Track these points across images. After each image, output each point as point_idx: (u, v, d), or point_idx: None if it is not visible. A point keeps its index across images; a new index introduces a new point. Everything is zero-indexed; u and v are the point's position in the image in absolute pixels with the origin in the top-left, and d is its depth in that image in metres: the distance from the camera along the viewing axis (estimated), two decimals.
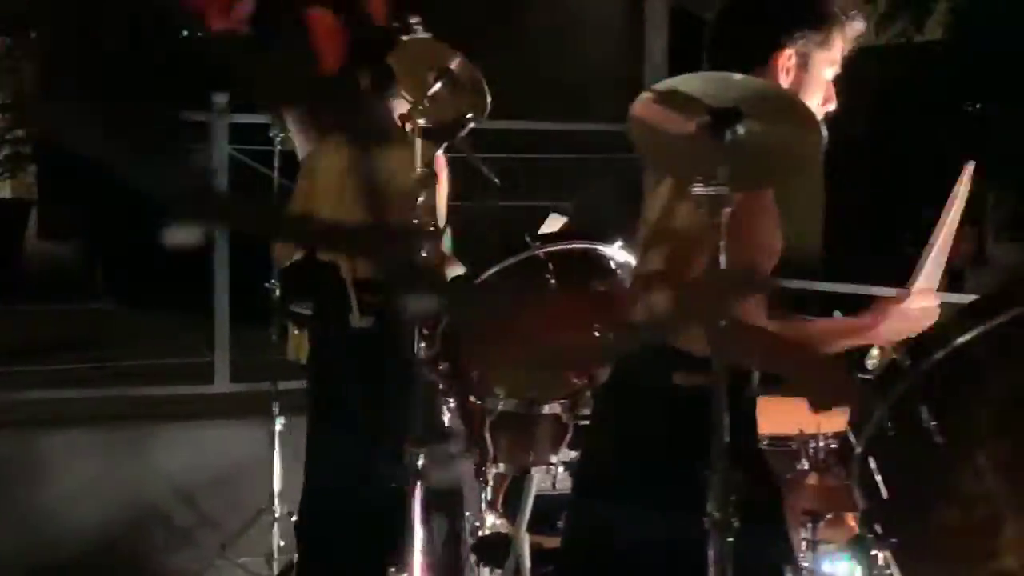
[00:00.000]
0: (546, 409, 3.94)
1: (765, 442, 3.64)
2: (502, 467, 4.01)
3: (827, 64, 3.19)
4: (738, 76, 2.72)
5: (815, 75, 3.19)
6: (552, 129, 7.24)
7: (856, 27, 3.21)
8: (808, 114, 2.75)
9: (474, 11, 8.32)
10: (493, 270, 4.32)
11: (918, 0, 14.77)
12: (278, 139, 5.74)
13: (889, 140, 13.84)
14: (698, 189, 2.70)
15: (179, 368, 6.86)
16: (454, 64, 4.31)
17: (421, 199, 3.71)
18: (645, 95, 2.73)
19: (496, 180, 4.35)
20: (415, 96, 4.19)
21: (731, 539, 2.65)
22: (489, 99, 4.36)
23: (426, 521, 3.97)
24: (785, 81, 3.15)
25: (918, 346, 2.66)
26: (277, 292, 5.69)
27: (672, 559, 2.91)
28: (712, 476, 2.68)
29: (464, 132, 3.90)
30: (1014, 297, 2.58)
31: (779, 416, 3.66)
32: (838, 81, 3.26)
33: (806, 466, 3.83)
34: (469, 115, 3.89)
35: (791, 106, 2.76)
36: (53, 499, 5.87)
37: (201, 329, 6.91)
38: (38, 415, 6.24)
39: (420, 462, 3.74)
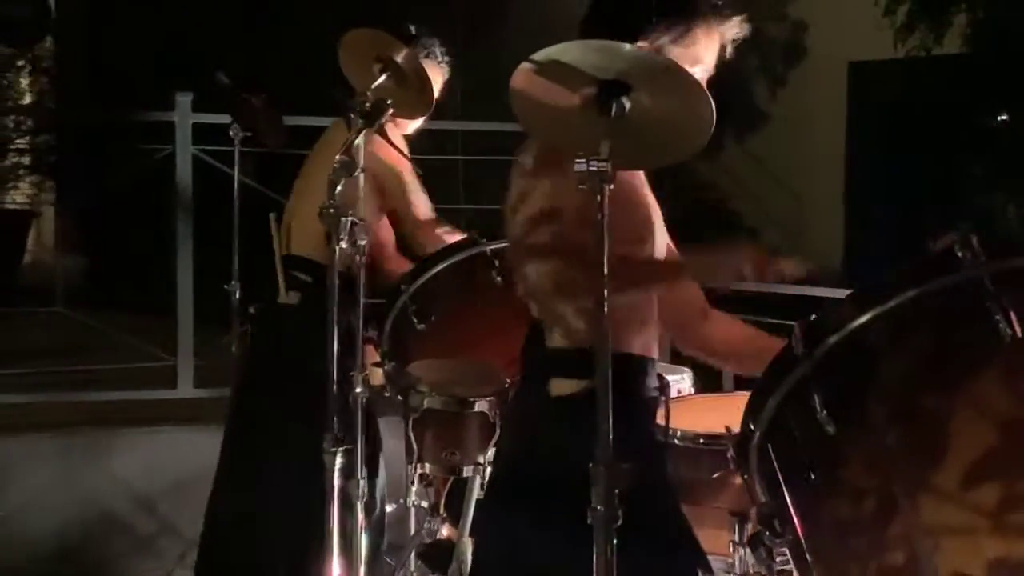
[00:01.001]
0: (474, 407, 3.79)
1: (700, 441, 3.49)
2: (428, 467, 3.87)
3: (690, 63, 2.94)
4: (625, 46, 2.58)
5: (691, 54, 3.02)
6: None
7: (731, 26, 3.06)
8: (699, 88, 2.61)
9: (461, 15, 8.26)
10: (440, 267, 4.24)
11: (937, 12, 14.66)
12: (238, 138, 5.66)
13: (908, 152, 13.72)
14: (580, 165, 2.55)
15: (142, 373, 6.73)
16: (400, 57, 4.24)
17: (339, 188, 3.57)
18: (524, 66, 2.59)
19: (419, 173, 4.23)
20: (360, 86, 4.12)
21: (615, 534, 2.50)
22: (435, 94, 4.30)
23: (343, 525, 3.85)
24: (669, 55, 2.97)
25: (812, 331, 2.50)
26: (237, 294, 5.59)
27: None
28: (595, 470, 2.54)
29: (383, 119, 3.75)
30: (908, 280, 2.43)
31: (711, 414, 3.52)
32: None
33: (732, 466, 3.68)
34: (388, 101, 3.75)
35: (681, 79, 2.61)
36: (8, 505, 5.75)
37: (165, 333, 6.79)
38: None
39: (337, 463, 3.59)
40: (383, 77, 4.21)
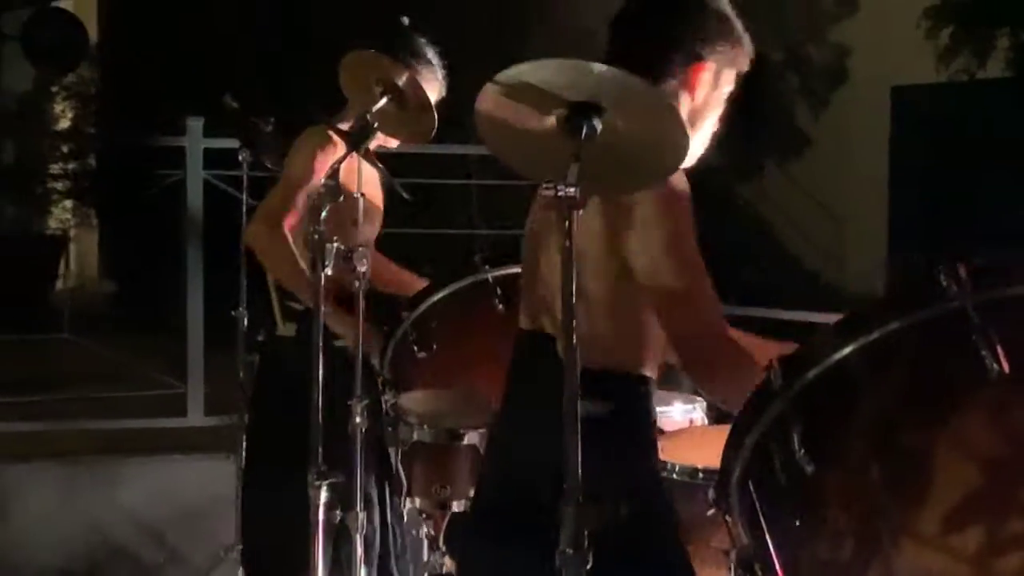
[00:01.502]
0: (464, 440, 3.67)
1: (699, 476, 3.37)
2: (418, 502, 3.75)
3: (730, 83, 3.03)
4: (595, 65, 2.46)
5: (720, 94, 3.04)
6: None
7: (750, 47, 3.05)
8: (673, 111, 2.49)
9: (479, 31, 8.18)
10: (440, 294, 4.14)
11: (980, 36, 14.53)
12: (247, 163, 5.59)
13: (950, 175, 13.61)
14: (547, 191, 2.43)
15: (151, 400, 6.66)
16: (401, 81, 4.17)
17: (324, 213, 3.48)
18: (490, 87, 2.48)
19: (408, 197, 4.12)
20: (361, 109, 4.05)
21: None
22: (436, 120, 4.21)
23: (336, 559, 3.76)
24: (699, 97, 2.98)
25: (791, 364, 2.37)
26: (244, 321, 5.51)
27: None
28: (565, 509, 2.42)
29: (367, 142, 3.66)
30: (891, 310, 2.30)
31: (711, 448, 3.40)
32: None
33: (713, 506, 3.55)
34: (375, 124, 3.66)
35: (655, 100, 2.50)
36: (14, 533, 5.69)
37: (176, 360, 6.71)
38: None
39: (323, 496, 3.49)
40: (384, 100, 4.15)
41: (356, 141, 3.60)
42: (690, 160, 3.03)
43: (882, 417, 2.32)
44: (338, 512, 3.95)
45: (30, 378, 7.88)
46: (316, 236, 3.47)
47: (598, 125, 2.48)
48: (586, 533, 2.42)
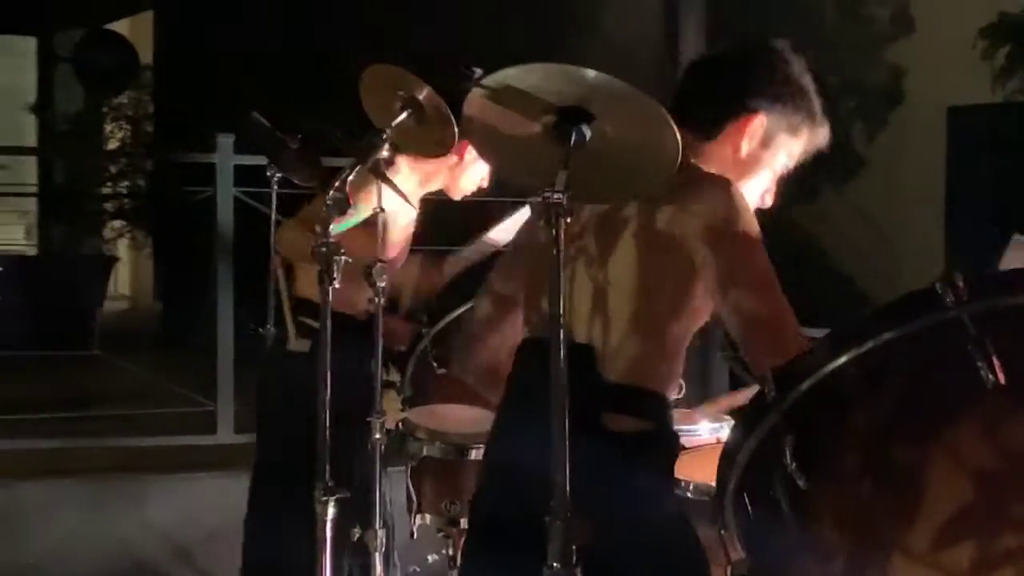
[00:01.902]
0: (473, 455, 3.63)
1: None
2: (428, 518, 3.71)
3: (786, 153, 2.99)
4: (585, 70, 2.41)
5: (770, 158, 2.99)
6: None
7: (823, 134, 3.02)
8: (665, 119, 2.44)
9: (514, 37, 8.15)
10: (461, 310, 4.12)
11: None
12: (275, 179, 5.56)
13: (1008, 198, 13.45)
14: (534, 200, 2.39)
15: (182, 418, 6.64)
16: (422, 95, 4.14)
17: (332, 226, 3.44)
18: (477, 92, 2.44)
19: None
20: (380, 124, 4.03)
21: None
22: (456, 134, 4.19)
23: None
24: (745, 148, 2.94)
25: (785, 375, 2.31)
26: (269, 339, 5.47)
27: None
28: (552, 523, 2.37)
29: (375, 155, 3.63)
30: (885, 321, 2.23)
31: None
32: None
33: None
34: (385, 137, 3.62)
35: (645, 107, 2.44)
36: (41, 551, 5.68)
37: (207, 378, 6.69)
38: (26, 465, 6.07)
39: (330, 512, 3.45)
40: (404, 115, 4.12)
41: (362, 154, 3.55)
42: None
43: (875, 430, 2.25)
44: (356, 530, 3.92)
45: (60, 395, 7.90)
46: (324, 249, 3.42)
47: (587, 132, 2.43)
48: (574, 548, 2.37)
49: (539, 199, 2.37)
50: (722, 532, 2.54)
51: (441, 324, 4.16)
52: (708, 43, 7.10)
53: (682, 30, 7.25)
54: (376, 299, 3.95)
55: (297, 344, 4.41)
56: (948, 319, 2.18)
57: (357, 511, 3.90)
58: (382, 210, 4.09)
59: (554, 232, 2.37)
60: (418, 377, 4.26)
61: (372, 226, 4.07)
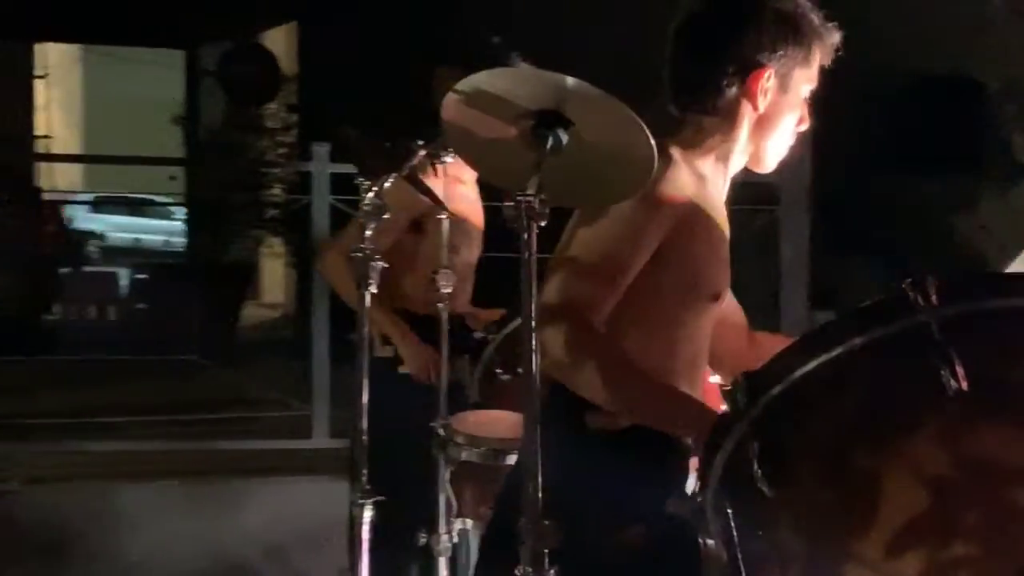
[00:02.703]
0: (511, 459, 3.62)
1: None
2: (468, 523, 3.73)
3: (807, 82, 2.88)
4: (563, 76, 2.42)
5: (794, 96, 2.88)
6: None
7: (834, 39, 2.89)
8: (634, 120, 2.42)
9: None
10: None
11: None
12: (364, 187, 5.61)
13: None
14: (510, 202, 2.39)
15: (278, 422, 6.73)
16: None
17: (368, 231, 3.48)
18: (451, 96, 2.46)
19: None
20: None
21: None
22: None
23: None
24: (763, 105, 2.83)
25: (755, 380, 2.28)
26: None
27: None
28: (524, 526, 2.38)
29: (413, 161, 3.65)
30: (854, 326, 2.20)
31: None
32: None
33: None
34: (420, 142, 3.65)
35: (621, 114, 2.43)
36: (140, 552, 5.80)
37: (300, 382, 6.78)
38: (125, 467, 6.21)
39: (367, 516, 3.48)
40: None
41: (394, 160, 3.58)
42: (768, 167, 2.95)
43: (837, 437, 2.22)
44: (422, 534, 3.95)
45: (166, 399, 8.07)
46: (361, 254, 3.45)
47: (563, 137, 2.43)
48: (545, 552, 2.38)
49: (511, 203, 2.38)
50: (702, 540, 2.51)
51: (507, 329, 4.16)
52: None
53: None
54: (440, 304, 3.99)
55: (382, 350, 4.47)
56: (915, 324, 2.14)
57: (420, 515, 3.94)
58: (449, 216, 4.12)
59: (526, 235, 2.37)
60: (485, 384, 4.28)
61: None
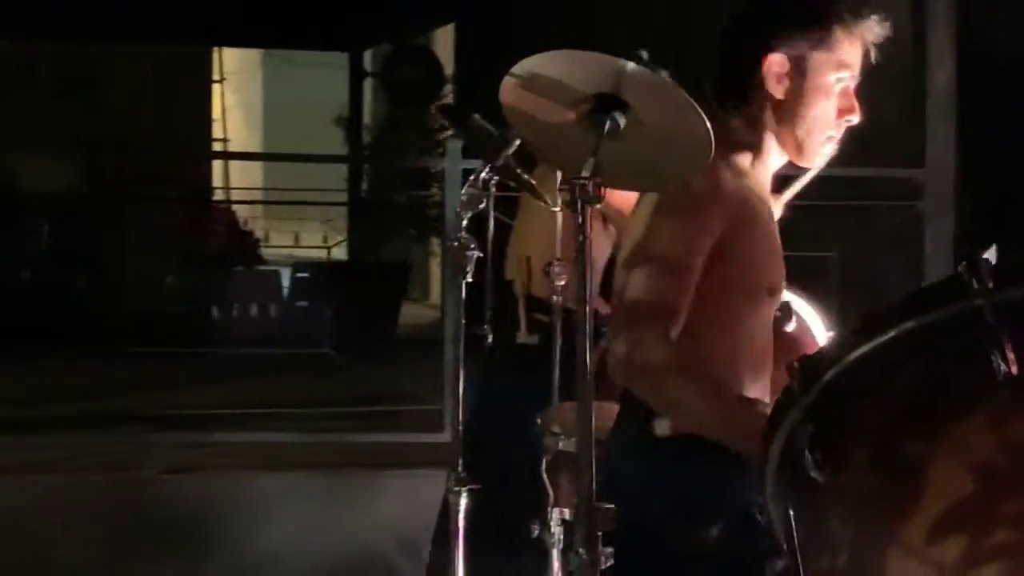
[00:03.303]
0: None
1: None
2: (566, 512, 3.71)
3: (833, 69, 2.80)
4: (622, 61, 2.41)
5: (818, 82, 2.80)
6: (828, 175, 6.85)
7: (871, 28, 2.83)
8: (690, 104, 2.41)
9: None
10: None
11: None
12: (492, 181, 5.63)
13: None
14: (562, 186, 2.40)
15: (410, 416, 6.77)
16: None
17: (464, 222, 3.50)
18: (508, 80, 2.47)
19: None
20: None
21: None
22: None
23: None
24: (779, 91, 2.81)
25: (810, 365, 2.26)
26: (489, 337, 5.54)
27: None
28: (578, 509, 2.38)
29: (506, 151, 3.65)
30: (908, 310, 2.17)
31: None
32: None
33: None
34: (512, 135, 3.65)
35: (679, 100, 2.42)
36: (273, 542, 5.88)
37: (432, 376, 6.81)
38: (258, 457, 6.31)
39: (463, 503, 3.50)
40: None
41: (491, 150, 3.60)
42: (810, 160, 2.91)
43: (887, 422, 2.19)
44: (535, 526, 3.95)
45: (303, 393, 8.18)
46: (456, 244, 3.47)
47: (621, 120, 2.43)
48: (599, 535, 2.37)
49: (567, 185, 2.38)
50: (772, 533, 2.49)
51: None
52: (957, 38, 6.84)
53: (929, 26, 7.00)
54: (555, 297, 3.98)
55: (527, 337, 4.49)
56: (969, 308, 2.10)
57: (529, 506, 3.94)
58: (559, 207, 4.11)
59: (580, 218, 2.37)
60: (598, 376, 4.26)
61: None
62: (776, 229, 2.90)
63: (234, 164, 25.02)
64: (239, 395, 7.48)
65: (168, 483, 6.05)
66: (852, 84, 2.83)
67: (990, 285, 2.09)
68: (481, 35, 13.42)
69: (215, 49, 22.64)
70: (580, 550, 2.36)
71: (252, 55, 28.13)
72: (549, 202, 3.88)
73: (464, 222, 3.53)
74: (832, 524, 2.22)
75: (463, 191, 3.54)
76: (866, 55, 2.85)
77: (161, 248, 14.91)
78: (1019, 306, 2.10)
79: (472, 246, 3.49)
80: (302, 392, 7.18)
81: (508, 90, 2.47)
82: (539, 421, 3.77)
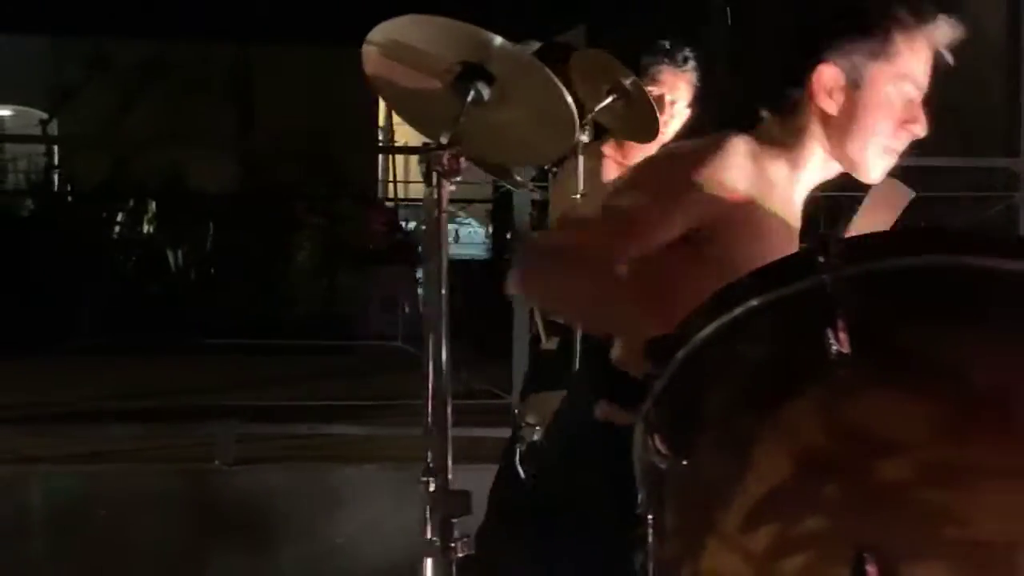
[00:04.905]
0: None
1: None
2: None
3: (893, 80, 2.57)
4: (474, 27, 2.34)
5: (876, 95, 2.58)
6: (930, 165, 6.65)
7: (938, 31, 2.59)
8: (554, 82, 2.32)
9: None
10: None
11: None
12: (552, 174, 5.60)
13: None
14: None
15: (480, 410, 6.68)
16: (628, 83, 4.26)
17: None
18: (368, 48, 2.40)
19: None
20: (586, 106, 4.18)
21: None
22: (679, 103, 4.48)
23: None
24: (830, 106, 2.60)
25: (660, 346, 2.15)
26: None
27: None
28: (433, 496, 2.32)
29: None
30: (754, 287, 2.05)
31: None
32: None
33: None
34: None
35: (537, 71, 2.34)
36: (344, 533, 5.90)
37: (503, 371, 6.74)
38: (334, 450, 6.33)
39: None
40: (609, 99, 4.26)
41: None
42: (870, 175, 2.70)
43: (729, 405, 2.06)
44: None
45: (363, 384, 8.19)
46: None
47: (485, 91, 2.36)
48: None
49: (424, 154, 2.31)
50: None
51: None
52: None
53: None
54: None
55: (548, 343, 4.48)
56: (812, 285, 1.98)
57: None
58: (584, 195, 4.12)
59: (435, 190, 2.29)
60: None
61: None
62: (793, 241, 2.70)
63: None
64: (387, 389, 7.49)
65: (235, 475, 6.07)
66: (918, 94, 2.62)
67: (838, 261, 1.95)
68: (612, 36, 13.37)
69: None
70: (433, 537, 2.30)
71: None
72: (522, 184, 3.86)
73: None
74: (666, 510, 2.11)
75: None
76: (934, 59, 2.62)
77: (324, 247, 15.05)
78: (861, 283, 1.96)
79: None
80: (394, 387, 7.14)
81: (370, 60, 2.40)
82: (515, 412, 3.72)
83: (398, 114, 2.62)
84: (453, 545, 2.32)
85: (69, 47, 18.95)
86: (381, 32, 2.34)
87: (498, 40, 2.32)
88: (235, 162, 16.77)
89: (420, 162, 2.27)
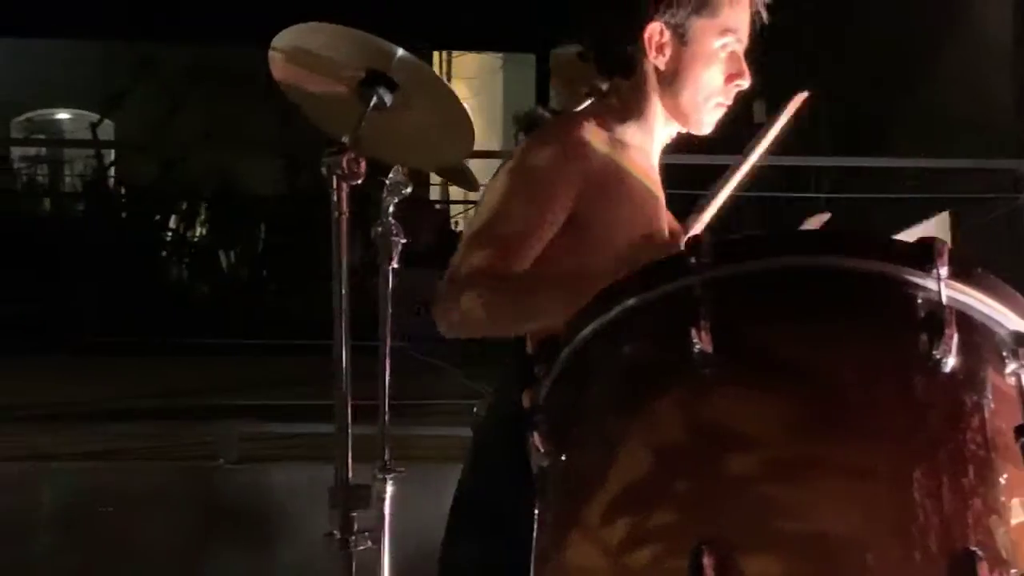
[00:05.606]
0: None
1: None
2: None
3: (717, 34, 2.73)
4: (392, 45, 2.41)
5: (702, 49, 2.74)
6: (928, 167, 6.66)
7: None
8: (462, 111, 2.40)
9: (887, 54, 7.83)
10: None
11: None
12: None
13: None
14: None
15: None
16: (604, 86, 4.27)
17: (391, 208, 3.51)
18: (274, 54, 2.47)
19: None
20: (565, 108, 4.20)
21: None
22: None
23: None
24: (660, 61, 2.76)
25: (546, 349, 2.20)
26: None
27: None
28: (333, 492, 2.37)
29: None
30: (631, 287, 2.10)
31: None
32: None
33: None
34: None
35: (446, 95, 2.42)
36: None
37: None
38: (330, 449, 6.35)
39: None
40: (587, 103, 4.26)
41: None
42: (699, 127, 2.84)
43: (597, 403, 2.11)
44: None
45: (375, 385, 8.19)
46: (380, 230, 3.49)
47: (387, 97, 2.42)
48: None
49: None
50: None
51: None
52: None
53: None
54: None
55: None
56: (683, 286, 2.03)
57: None
58: None
59: (335, 195, 2.36)
60: None
61: None
62: (659, 211, 2.82)
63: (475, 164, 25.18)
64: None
65: (238, 473, 6.13)
66: (740, 48, 2.77)
67: (709, 262, 2.00)
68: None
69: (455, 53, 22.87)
70: (334, 531, 2.36)
71: (493, 59, 28.35)
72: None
73: (390, 208, 3.53)
74: (547, 508, 2.15)
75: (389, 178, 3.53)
76: (753, 17, 2.79)
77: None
78: (727, 283, 2.01)
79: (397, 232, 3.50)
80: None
81: (276, 64, 2.47)
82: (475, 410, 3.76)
83: (307, 116, 2.68)
84: (354, 538, 2.35)
85: (119, 52, 19.14)
86: (285, 39, 2.41)
87: (400, 51, 2.38)
88: (281, 164, 16.86)
89: (321, 165, 2.33)
